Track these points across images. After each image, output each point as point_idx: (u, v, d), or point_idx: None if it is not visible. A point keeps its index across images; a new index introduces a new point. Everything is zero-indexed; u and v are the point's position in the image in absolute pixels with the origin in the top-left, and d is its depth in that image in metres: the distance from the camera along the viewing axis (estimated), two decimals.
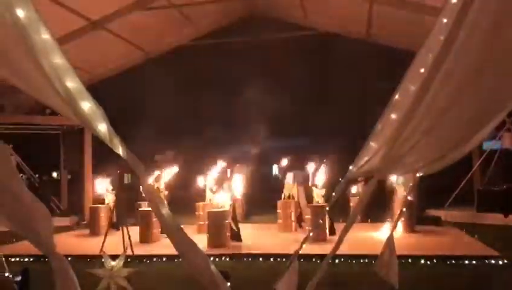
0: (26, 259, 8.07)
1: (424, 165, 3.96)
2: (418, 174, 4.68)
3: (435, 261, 7.38)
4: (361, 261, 7.48)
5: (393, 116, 3.89)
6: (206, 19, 15.02)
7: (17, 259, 8.03)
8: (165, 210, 3.04)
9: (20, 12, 2.53)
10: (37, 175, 16.54)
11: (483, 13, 2.80)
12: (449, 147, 3.67)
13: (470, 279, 6.48)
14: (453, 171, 11.16)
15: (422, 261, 7.37)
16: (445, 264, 7.24)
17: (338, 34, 14.76)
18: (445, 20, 3.31)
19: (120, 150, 2.88)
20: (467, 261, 7.27)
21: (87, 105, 2.77)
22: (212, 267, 3.18)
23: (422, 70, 3.48)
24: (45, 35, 2.60)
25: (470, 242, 8.89)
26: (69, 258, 3.05)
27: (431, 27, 3.58)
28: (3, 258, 4.63)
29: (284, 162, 14.86)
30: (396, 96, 3.90)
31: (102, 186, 12.02)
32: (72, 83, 2.70)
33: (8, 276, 4.43)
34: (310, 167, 11.73)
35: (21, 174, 15.89)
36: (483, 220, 11.34)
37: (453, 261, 7.31)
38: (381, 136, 4.06)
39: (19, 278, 4.38)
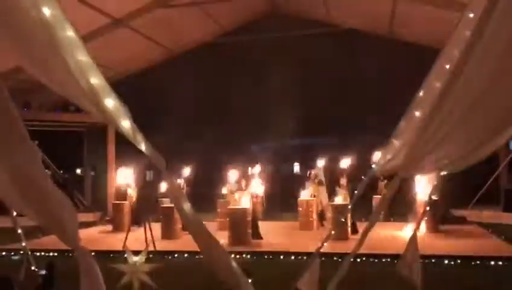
0: (52, 254, 8.22)
1: (448, 164, 3.89)
2: (442, 173, 4.60)
3: (459, 261, 7.26)
4: (384, 260, 7.40)
5: (417, 113, 3.83)
6: (228, 17, 15.05)
7: (43, 253, 8.19)
8: (187, 206, 3.05)
9: (46, 10, 2.57)
10: (61, 171, 16.83)
11: (510, 8, 2.73)
12: (474, 145, 3.59)
13: (494, 280, 6.35)
14: (479, 171, 11.01)
15: (446, 262, 7.25)
16: (470, 264, 7.11)
17: (361, 30, 14.62)
18: (471, 15, 3.24)
19: (143, 147, 2.91)
20: (492, 262, 7.12)
21: (110, 102, 2.80)
22: (233, 263, 3.18)
23: (447, 66, 3.41)
24: (70, 33, 2.63)
25: (496, 243, 8.72)
26: (93, 254, 3.09)
27: (455, 23, 3.51)
28: (29, 252, 4.72)
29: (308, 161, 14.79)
30: (421, 94, 3.84)
31: (125, 178, 12.06)
32: (96, 80, 2.73)
33: (34, 270, 4.51)
34: (334, 165, 11.66)
35: (46, 171, 16.16)
36: (510, 221, 11.10)
37: (478, 262, 7.17)
38: (404, 134, 4.00)
39: (44, 272, 4.46)
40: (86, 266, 2.89)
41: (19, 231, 4.69)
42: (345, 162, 11.85)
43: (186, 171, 11.65)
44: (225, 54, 16.40)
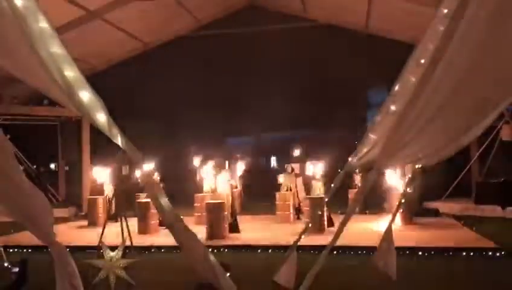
0: (25, 250, 8.08)
1: (423, 157, 3.96)
2: (417, 166, 4.68)
3: (432, 253, 7.41)
4: (360, 252, 7.50)
5: (392, 107, 3.89)
6: (205, 10, 14.95)
7: (16, 249, 8.04)
8: (164, 200, 3.04)
9: (18, 1, 2.51)
10: (34, 166, 16.51)
11: (483, 3, 2.78)
12: (448, 138, 3.66)
13: (467, 271, 6.51)
14: (452, 164, 11.22)
15: (420, 253, 7.39)
16: (443, 256, 7.27)
17: (337, 25, 14.72)
18: (445, 11, 3.30)
19: (119, 140, 2.88)
20: (464, 253, 7.30)
21: (86, 95, 2.76)
22: (212, 257, 3.18)
23: (422, 61, 3.47)
24: (43, 24, 2.58)
25: (468, 234, 8.92)
26: (68, 249, 3.04)
27: (431, 18, 3.57)
28: (2, 249, 4.63)
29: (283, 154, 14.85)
30: (396, 88, 3.90)
31: (101, 176, 11.98)
32: (70, 73, 2.69)
33: (6, 266, 4.43)
34: (309, 158, 11.73)
35: (19, 165, 15.83)
36: (481, 213, 11.37)
37: (451, 253, 7.34)
38: (380, 128, 4.06)
39: (16, 269, 4.38)
40: (61, 262, 2.85)
41: None
42: (322, 156, 11.93)
43: (159, 165, 11.54)
44: (201, 47, 16.30)
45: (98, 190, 12.14)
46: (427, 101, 3.22)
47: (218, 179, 10.26)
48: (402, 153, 3.78)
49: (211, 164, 11.61)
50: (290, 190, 11.47)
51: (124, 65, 15.70)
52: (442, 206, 12.39)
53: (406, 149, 3.73)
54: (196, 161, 13.00)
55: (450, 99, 3.18)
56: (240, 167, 13.64)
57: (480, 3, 2.81)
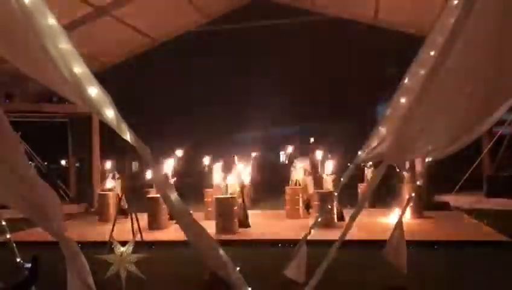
0: (37, 246, 8.14)
1: (433, 150, 3.93)
2: (427, 159, 4.64)
3: (443, 246, 7.37)
4: (370, 246, 7.47)
5: (402, 100, 3.86)
6: (212, 5, 14.92)
7: (28, 246, 8.10)
8: (174, 195, 3.04)
9: None
10: (45, 163, 16.62)
11: None
12: (458, 131, 3.63)
13: (478, 264, 6.47)
14: (463, 157, 11.14)
15: (431, 247, 7.35)
16: (454, 249, 7.22)
17: (346, 18, 14.62)
18: (455, 2, 3.26)
19: (127, 136, 2.88)
20: (475, 247, 7.24)
21: (94, 91, 2.77)
22: (221, 251, 3.19)
23: (432, 53, 3.44)
24: (51, 20, 2.58)
25: (479, 227, 8.86)
26: (79, 245, 3.06)
27: (440, 10, 3.53)
28: (14, 245, 4.68)
29: (291, 148, 14.84)
30: (406, 81, 3.87)
31: (111, 169, 12.11)
32: (79, 69, 2.69)
33: (18, 262, 4.47)
34: (319, 153, 11.69)
35: (30, 162, 16.01)
36: (493, 206, 11.28)
37: (462, 247, 7.29)
38: (390, 121, 4.03)
39: (29, 265, 4.41)
40: (72, 256, 2.87)
41: (3, 223, 4.64)
42: (331, 150, 11.91)
43: (172, 161, 11.58)
44: (208, 42, 16.30)
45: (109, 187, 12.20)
46: (436, 94, 3.19)
47: (227, 177, 10.26)
48: (411, 147, 3.75)
49: (219, 162, 11.65)
50: (299, 184, 11.44)
51: (131, 61, 15.74)
52: (453, 199, 12.30)
53: (415, 142, 3.70)
54: (206, 158, 13.04)
55: (460, 92, 3.16)
56: (249, 163, 13.64)
57: None
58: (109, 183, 11.99)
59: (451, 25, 3.07)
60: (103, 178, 12.74)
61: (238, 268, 3.36)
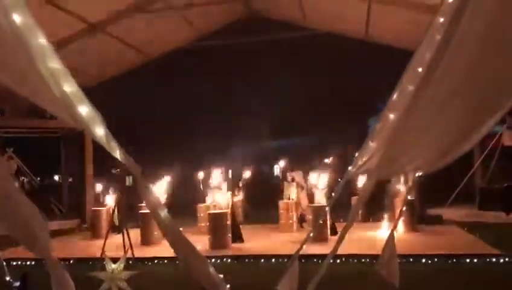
0: (27, 263, 8.06)
1: (423, 164, 3.95)
2: (417, 174, 4.68)
3: (435, 260, 7.38)
4: (362, 260, 7.47)
5: (391, 116, 3.89)
6: (205, 21, 15.01)
7: (18, 263, 8.02)
8: (163, 213, 3.04)
9: (17, 18, 2.53)
10: (38, 178, 16.56)
11: (479, 13, 2.80)
12: (448, 145, 3.66)
13: (471, 278, 6.48)
14: (454, 170, 11.21)
15: (423, 261, 7.36)
16: (446, 263, 7.24)
17: (337, 34, 14.77)
18: (441, 20, 3.32)
19: (117, 154, 2.89)
20: (468, 260, 7.26)
21: (84, 109, 2.77)
22: (211, 269, 3.18)
23: (419, 69, 3.49)
24: (42, 40, 2.60)
25: (471, 241, 8.88)
26: (71, 261, 3.04)
27: (428, 27, 3.59)
28: (4, 263, 4.64)
29: (284, 163, 14.85)
30: (395, 96, 3.91)
31: (104, 190, 12.05)
32: (69, 88, 2.70)
33: (8, 280, 4.43)
34: (311, 167, 11.72)
35: (22, 178, 15.92)
36: (485, 219, 11.32)
37: (454, 260, 7.30)
38: (380, 136, 4.06)
39: (18, 283, 4.38)
40: (57, 276, 2.85)
41: None
42: (323, 164, 11.93)
43: (166, 179, 11.50)
44: (202, 57, 16.39)
45: (102, 202, 12.15)
46: (424, 109, 3.23)
47: (217, 192, 10.24)
48: (401, 161, 3.78)
49: (213, 175, 11.60)
50: (293, 199, 11.43)
51: (124, 76, 15.75)
52: (445, 212, 12.34)
53: (405, 156, 3.73)
54: (200, 172, 13.01)
55: (448, 107, 3.20)
56: (242, 176, 13.65)
57: (477, 13, 2.82)
58: (109, 199, 11.89)
59: (438, 41, 3.12)
60: (97, 197, 12.69)
61: (228, 286, 3.35)
